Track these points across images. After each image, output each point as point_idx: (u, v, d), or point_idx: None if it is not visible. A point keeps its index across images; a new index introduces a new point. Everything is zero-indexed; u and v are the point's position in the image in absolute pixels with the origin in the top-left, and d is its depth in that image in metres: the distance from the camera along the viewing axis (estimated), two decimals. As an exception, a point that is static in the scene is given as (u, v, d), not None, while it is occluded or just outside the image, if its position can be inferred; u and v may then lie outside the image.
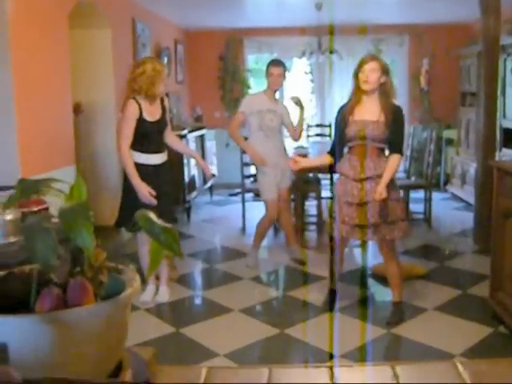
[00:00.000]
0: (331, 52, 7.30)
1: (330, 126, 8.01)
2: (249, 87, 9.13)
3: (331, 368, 1.07)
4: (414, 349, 3.55)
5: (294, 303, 4.41)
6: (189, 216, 6.99)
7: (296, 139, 5.36)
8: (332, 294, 4.22)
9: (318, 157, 4.12)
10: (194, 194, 7.18)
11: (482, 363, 1.10)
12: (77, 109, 5.57)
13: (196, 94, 9.31)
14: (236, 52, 9.07)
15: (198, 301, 4.62)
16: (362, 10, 7.40)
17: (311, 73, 8.72)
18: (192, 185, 7.13)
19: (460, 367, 1.05)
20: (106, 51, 5.74)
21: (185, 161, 6.80)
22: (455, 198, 8.01)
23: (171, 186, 4.36)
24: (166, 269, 4.40)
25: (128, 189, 4.13)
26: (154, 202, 3.99)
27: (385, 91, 3.85)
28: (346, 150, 3.98)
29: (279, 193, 5.16)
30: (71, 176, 4.73)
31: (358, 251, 5.78)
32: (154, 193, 4.03)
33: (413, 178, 7.37)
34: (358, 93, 3.88)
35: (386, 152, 3.95)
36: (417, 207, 6.86)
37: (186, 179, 6.83)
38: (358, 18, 7.82)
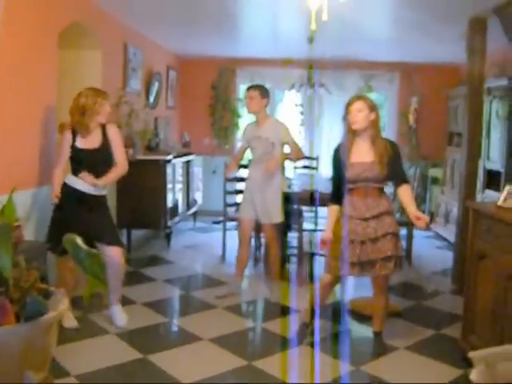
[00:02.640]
0: (312, 86, 7.38)
1: (316, 158, 8.03)
2: (239, 116, 9.19)
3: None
4: (382, 388, 3.51)
5: (267, 335, 4.36)
6: (169, 241, 6.95)
7: (293, 159, 5.32)
8: (304, 328, 4.19)
9: (331, 218, 4.00)
10: (176, 219, 7.15)
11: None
12: (63, 128, 5.57)
13: (186, 121, 9.35)
14: (228, 81, 9.15)
15: (169, 328, 4.55)
16: (354, 46, 7.50)
17: (301, 105, 8.78)
18: (174, 210, 7.10)
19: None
20: (96, 73, 5.77)
21: (169, 185, 6.79)
22: (438, 236, 8.02)
23: (105, 219, 4.29)
24: (118, 288, 4.36)
25: (59, 211, 4.19)
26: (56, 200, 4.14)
27: (374, 128, 3.87)
28: (345, 191, 3.99)
29: (262, 227, 5.25)
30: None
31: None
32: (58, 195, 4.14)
33: (397, 215, 7.38)
34: (349, 134, 3.91)
35: (385, 190, 4.00)
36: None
37: (169, 204, 6.80)
38: (349, 53, 7.93)
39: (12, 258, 0.93)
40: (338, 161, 3.94)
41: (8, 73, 3.97)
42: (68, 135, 4.20)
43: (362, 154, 3.86)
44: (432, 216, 8.52)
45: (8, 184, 3.89)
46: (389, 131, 9.47)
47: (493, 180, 6.35)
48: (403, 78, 8.98)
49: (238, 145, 5.54)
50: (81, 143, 4.18)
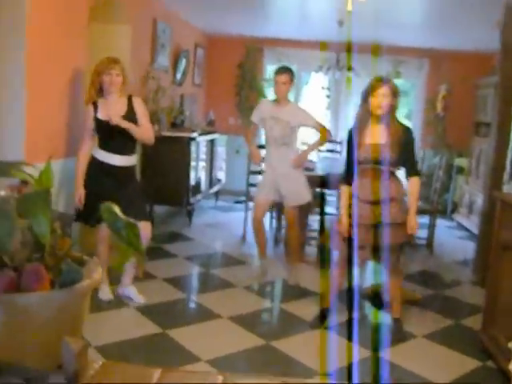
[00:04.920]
0: (349, 69, 7.29)
1: (341, 142, 7.97)
2: (264, 97, 9.12)
3: (284, 381, 1.05)
4: (399, 374, 3.50)
5: (285, 316, 4.38)
6: (191, 219, 6.98)
7: (323, 140, 5.05)
8: (323, 312, 4.19)
9: (344, 201, 3.98)
10: (198, 196, 7.17)
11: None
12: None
13: (212, 99, 9.33)
14: (255, 61, 9.09)
15: (188, 304, 4.59)
16: (384, 31, 7.40)
17: (328, 88, 8.70)
18: (197, 188, 7.12)
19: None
20: (125, 48, 5.73)
21: (192, 163, 6.80)
22: (460, 226, 7.94)
23: (134, 193, 4.18)
24: (132, 268, 4.37)
25: (89, 183, 4.16)
26: (80, 206, 4.09)
27: (393, 112, 3.85)
28: (356, 172, 3.98)
29: (285, 210, 5.10)
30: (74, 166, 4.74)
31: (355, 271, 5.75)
32: (82, 201, 4.09)
33: (419, 203, 7.31)
34: (367, 116, 3.88)
35: (397, 173, 3.99)
36: (420, 232, 6.80)
37: (192, 182, 6.82)
38: (379, 38, 7.82)
39: (50, 225, 0.94)
40: (351, 141, 3.93)
41: (40, 47, 3.98)
42: (90, 107, 4.15)
43: (377, 136, 3.85)
44: (455, 206, 8.44)
45: (40, 153, 3.94)
46: (415, 118, 9.38)
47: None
48: (432, 65, 8.86)
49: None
50: (102, 113, 4.12)
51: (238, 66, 9.12)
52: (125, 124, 4.06)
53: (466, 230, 7.69)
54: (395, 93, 3.83)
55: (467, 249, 6.57)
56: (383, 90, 3.78)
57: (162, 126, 6.49)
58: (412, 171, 3.93)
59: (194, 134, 6.77)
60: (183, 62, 7.71)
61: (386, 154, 3.80)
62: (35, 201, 0.93)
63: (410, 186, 3.93)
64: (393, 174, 3.92)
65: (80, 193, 4.11)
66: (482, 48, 7.90)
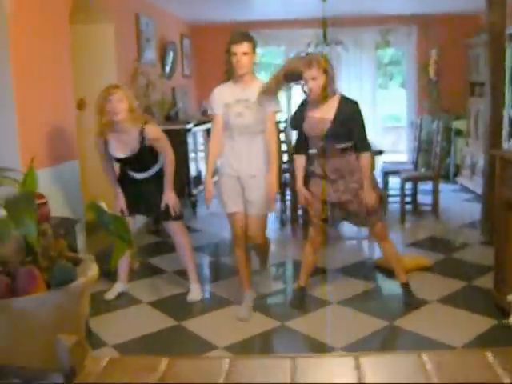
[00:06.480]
0: (328, 44, 7.20)
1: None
2: (257, 80, 9.07)
3: (293, 358, 1.05)
4: (415, 341, 3.51)
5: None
6: (195, 210, 6.98)
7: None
8: (300, 291, 4.22)
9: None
10: (200, 187, 7.16)
11: (446, 354, 1.07)
12: (81, 104, 5.58)
13: (203, 88, 9.26)
14: (243, 45, 9.02)
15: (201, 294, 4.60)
16: (369, 1, 7.34)
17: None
18: (198, 178, 7.11)
19: (424, 357, 1.03)
20: (109, 46, 5.74)
21: (191, 154, 6.79)
22: (465, 189, 7.93)
23: (157, 195, 4.14)
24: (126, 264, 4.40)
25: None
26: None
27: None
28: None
29: (247, 221, 3.94)
30: (74, 170, 4.74)
31: (365, 244, 5.76)
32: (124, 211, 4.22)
33: (422, 170, 7.30)
34: None
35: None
36: (425, 199, 6.80)
37: (192, 173, 6.81)
38: (364, 8, 7.76)
39: (37, 226, 0.93)
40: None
41: (20, 51, 3.95)
42: (100, 143, 4.06)
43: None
44: (458, 169, 8.42)
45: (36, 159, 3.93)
46: (409, 86, 9.33)
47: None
48: (421, 31, 8.78)
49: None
50: (114, 151, 4.02)
51: (225, 51, 9.04)
52: (170, 190, 4.15)
53: (471, 191, 7.67)
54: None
55: (474, 210, 6.55)
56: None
57: (155, 120, 6.47)
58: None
59: (190, 125, 6.75)
60: (171, 55, 7.68)
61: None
62: (20, 203, 0.92)
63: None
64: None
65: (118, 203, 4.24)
66: (468, 8, 7.83)
